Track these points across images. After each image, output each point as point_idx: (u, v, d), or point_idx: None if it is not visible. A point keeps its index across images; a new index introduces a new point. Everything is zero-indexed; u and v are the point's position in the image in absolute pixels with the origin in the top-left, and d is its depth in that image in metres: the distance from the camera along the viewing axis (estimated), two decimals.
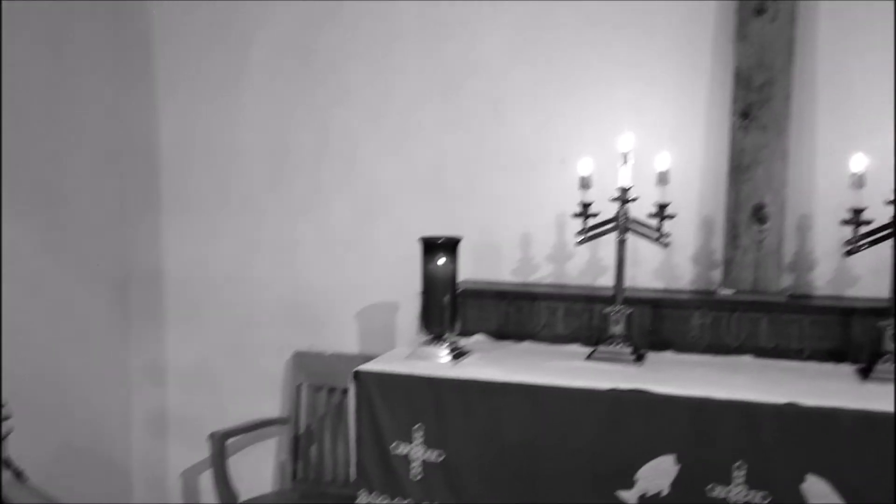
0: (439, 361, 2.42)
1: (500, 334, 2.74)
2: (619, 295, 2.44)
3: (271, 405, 3.26)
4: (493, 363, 2.41)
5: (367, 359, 2.51)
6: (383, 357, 2.53)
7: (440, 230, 2.63)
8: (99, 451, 3.27)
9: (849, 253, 2.29)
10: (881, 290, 2.34)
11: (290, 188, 3.20)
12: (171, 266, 3.39)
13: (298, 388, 3.15)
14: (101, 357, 3.28)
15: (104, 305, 3.30)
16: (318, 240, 3.18)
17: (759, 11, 2.48)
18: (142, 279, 3.41)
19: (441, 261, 2.48)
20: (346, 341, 3.14)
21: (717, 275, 2.63)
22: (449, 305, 2.48)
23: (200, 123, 3.31)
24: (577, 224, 2.51)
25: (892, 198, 2.18)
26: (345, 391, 2.89)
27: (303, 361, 3.16)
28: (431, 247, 2.49)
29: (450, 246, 2.49)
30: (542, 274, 2.87)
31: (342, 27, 3.08)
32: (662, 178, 2.40)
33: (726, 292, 2.53)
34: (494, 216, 2.91)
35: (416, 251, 2.52)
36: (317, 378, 3.13)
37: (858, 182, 2.23)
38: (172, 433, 3.44)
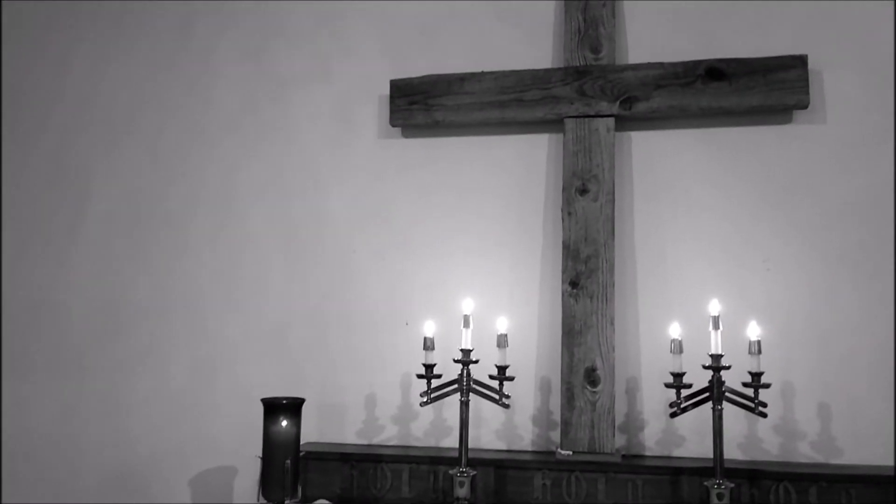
0: None
1: (344, 499, 2.65)
2: (463, 456, 2.46)
3: None
4: None
5: None
6: None
7: (284, 390, 2.58)
8: None
9: (673, 415, 2.43)
10: (706, 450, 2.48)
11: (122, 344, 3.07)
12: None
13: None
14: None
15: None
16: (150, 399, 3.02)
17: (583, 191, 2.73)
18: None
19: (283, 423, 2.42)
20: None
21: (556, 435, 2.71)
22: (290, 469, 2.40)
23: (25, 274, 3.16)
24: (422, 385, 2.54)
25: (708, 362, 2.37)
26: None
27: None
28: (273, 408, 2.43)
29: (293, 407, 2.44)
30: (388, 435, 2.85)
31: (187, 181, 3.11)
32: (502, 342, 2.50)
33: (565, 453, 2.60)
34: (340, 376, 2.89)
35: (258, 412, 2.45)
36: None
37: (678, 348, 2.41)
38: None
